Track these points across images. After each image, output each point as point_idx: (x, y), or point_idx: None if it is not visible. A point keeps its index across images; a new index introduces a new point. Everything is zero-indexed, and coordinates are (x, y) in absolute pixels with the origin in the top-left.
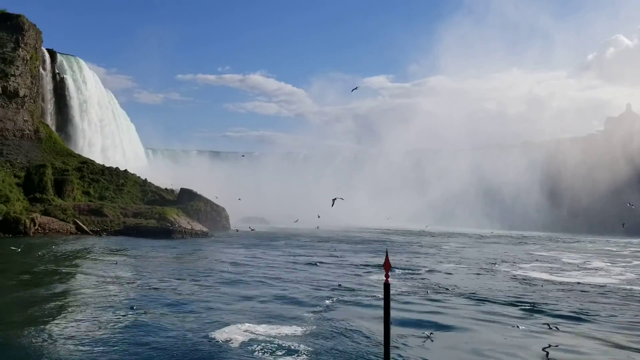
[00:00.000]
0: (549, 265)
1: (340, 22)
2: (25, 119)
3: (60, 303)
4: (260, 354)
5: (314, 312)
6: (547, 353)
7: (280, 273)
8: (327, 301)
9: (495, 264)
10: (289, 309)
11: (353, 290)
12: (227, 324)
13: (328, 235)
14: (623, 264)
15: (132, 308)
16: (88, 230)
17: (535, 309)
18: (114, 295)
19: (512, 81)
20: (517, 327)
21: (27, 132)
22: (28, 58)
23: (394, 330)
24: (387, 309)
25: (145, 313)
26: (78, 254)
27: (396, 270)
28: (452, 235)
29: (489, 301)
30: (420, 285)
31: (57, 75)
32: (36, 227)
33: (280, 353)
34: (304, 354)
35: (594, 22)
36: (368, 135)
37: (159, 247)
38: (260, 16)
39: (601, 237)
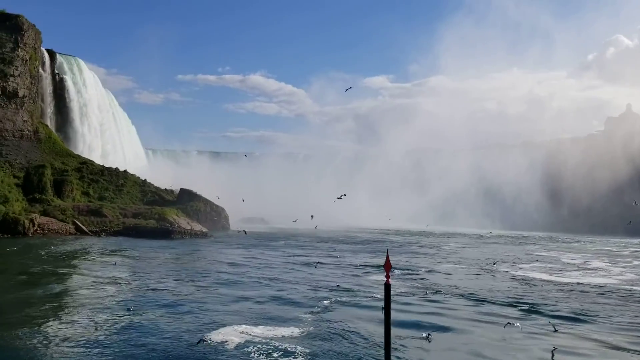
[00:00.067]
0: (549, 265)
1: (341, 22)
2: (24, 119)
3: (56, 304)
4: (256, 355)
5: (311, 313)
6: (553, 355)
7: (278, 273)
8: (325, 302)
9: (494, 264)
10: (286, 309)
11: (351, 290)
12: (224, 325)
13: (328, 236)
14: (623, 264)
15: (129, 309)
16: (87, 231)
17: (534, 309)
18: (111, 296)
19: (512, 81)
20: (512, 324)
21: (27, 132)
22: (27, 58)
23: (392, 331)
24: (387, 309)
25: (141, 314)
26: (76, 254)
27: (395, 270)
28: (452, 235)
29: (488, 302)
30: (419, 285)
31: (57, 76)
32: (35, 228)
33: (276, 355)
34: (300, 355)
35: (595, 22)
36: (368, 136)
37: (158, 247)
38: (261, 16)
39: (602, 237)
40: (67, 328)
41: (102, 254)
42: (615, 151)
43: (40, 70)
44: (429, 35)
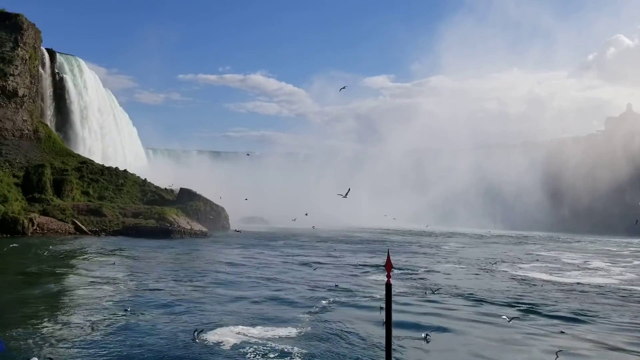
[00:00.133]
0: (549, 265)
1: (341, 22)
2: (24, 118)
3: (53, 304)
4: (252, 356)
5: (309, 313)
6: (557, 356)
7: (277, 273)
8: (323, 302)
9: (494, 264)
10: (284, 310)
11: (350, 290)
12: (220, 326)
13: (327, 235)
14: (623, 264)
15: (126, 310)
16: (87, 230)
17: (534, 309)
18: (109, 296)
19: (512, 81)
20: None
21: (26, 132)
22: (27, 57)
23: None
24: (389, 309)
25: (138, 314)
26: (75, 254)
27: (395, 270)
28: (452, 235)
29: (487, 302)
30: (418, 285)
31: (57, 75)
32: (34, 227)
33: (272, 356)
34: (297, 356)
35: (595, 22)
36: (369, 135)
37: (157, 247)
38: (261, 16)
39: (602, 237)
40: (63, 328)
41: (101, 253)
42: (615, 151)
43: (40, 69)
44: (429, 35)
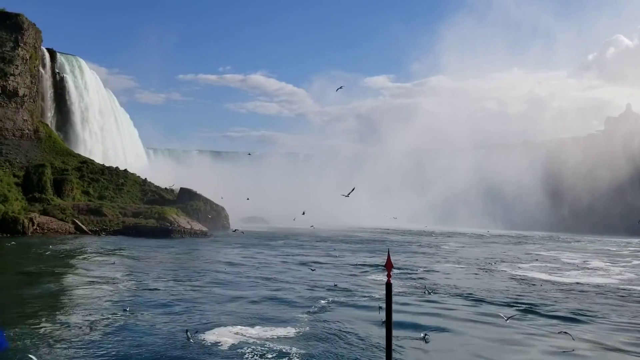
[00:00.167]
0: (548, 265)
1: (341, 22)
2: (24, 118)
3: (52, 303)
4: (250, 356)
5: (308, 313)
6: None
7: (276, 273)
8: (322, 302)
9: (494, 264)
10: (282, 309)
11: (349, 290)
12: (219, 326)
13: (327, 235)
14: (623, 264)
15: (125, 310)
16: (87, 230)
17: (533, 309)
18: (108, 295)
19: (512, 81)
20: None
21: (27, 131)
22: (27, 57)
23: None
24: (389, 309)
25: (137, 314)
26: (74, 253)
27: (394, 270)
28: (452, 235)
29: (486, 302)
30: (417, 285)
31: (57, 75)
32: (34, 227)
33: (270, 356)
34: (295, 356)
35: (595, 22)
36: (369, 135)
37: (157, 247)
38: (261, 15)
39: (602, 236)
40: (62, 328)
41: (100, 253)
42: (615, 151)
43: (41, 69)
44: (429, 35)
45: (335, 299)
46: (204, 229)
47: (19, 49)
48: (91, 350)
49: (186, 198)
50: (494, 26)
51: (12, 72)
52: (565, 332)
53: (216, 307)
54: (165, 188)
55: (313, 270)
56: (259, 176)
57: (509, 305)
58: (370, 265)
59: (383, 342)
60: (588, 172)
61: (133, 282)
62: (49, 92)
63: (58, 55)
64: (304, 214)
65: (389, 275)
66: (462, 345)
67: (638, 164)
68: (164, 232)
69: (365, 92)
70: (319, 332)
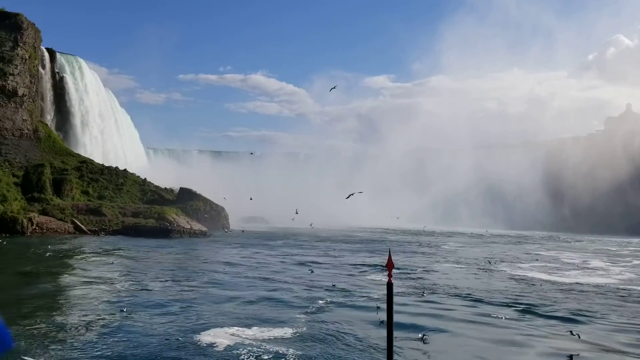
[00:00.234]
0: (548, 265)
1: (341, 21)
2: (24, 118)
3: (48, 304)
4: (245, 358)
5: (305, 313)
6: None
7: (274, 273)
8: (319, 302)
9: (493, 263)
10: (279, 310)
11: (348, 291)
12: (214, 326)
13: (327, 235)
14: (623, 264)
15: (122, 311)
16: (86, 230)
17: (532, 310)
18: (105, 296)
19: (513, 81)
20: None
21: (26, 131)
22: (27, 57)
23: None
24: (390, 309)
25: (133, 314)
26: (73, 253)
27: (393, 269)
28: (452, 234)
29: (485, 302)
30: (416, 285)
31: (57, 75)
32: (34, 227)
33: (266, 357)
34: (292, 358)
35: (595, 22)
36: (369, 135)
37: (156, 247)
38: (261, 15)
39: (603, 236)
40: (58, 328)
41: (99, 253)
42: (615, 150)
43: (40, 69)
44: (429, 35)
45: (334, 299)
46: (204, 228)
47: (18, 48)
48: (87, 350)
49: (186, 198)
50: (494, 26)
51: (11, 72)
52: (572, 333)
53: (213, 307)
54: (165, 188)
55: (311, 272)
56: (259, 176)
57: (508, 305)
58: (369, 265)
59: (381, 343)
60: (588, 172)
61: (131, 282)
62: (48, 92)
63: (58, 55)
64: (297, 212)
65: (390, 275)
66: (461, 346)
67: (638, 164)
68: (163, 232)
69: (366, 92)
70: (316, 333)
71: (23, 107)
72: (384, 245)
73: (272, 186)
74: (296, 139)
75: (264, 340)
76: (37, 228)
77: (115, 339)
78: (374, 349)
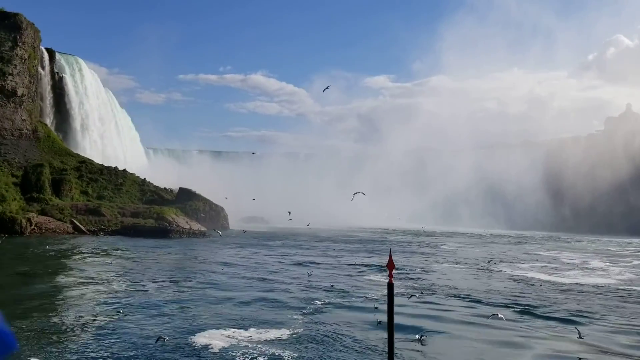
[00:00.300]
0: (548, 265)
1: (341, 21)
2: (23, 118)
3: (46, 304)
4: None
5: (302, 314)
6: None
7: (272, 274)
8: (317, 303)
9: (493, 264)
10: (276, 311)
11: (346, 291)
12: (210, 328)
13: (326, 235)
14: (623, 264)
15: (118, 312)
16: (85, 230)
17: (531, 310)
18: (102, 296)
19: (513, 81)
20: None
21: (25, 131)
22: (26, 57)
23: (384, 333)
24: (390, 309)
25: (129, 315)
26: (71, 254)
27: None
28: (452, 234)
29: (484, 303)
30: (415, 285)
31: (56, 75)
32: (32, 227)
33: (262, 359)
34: None
35: (595, 22)
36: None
37: (155, 247)
38: (261, 15)
39: (603, 236)
40: (53, 329)
41: (97, 253)
42: (615, 150)
43: (40, 69)
44: (429, 35)
45: (331, 300)
46: (203, 229)
47: (18, 48)
48: (82, 352)
49: (185, 198)
50: (495, 26)
51: (10, 72)
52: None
53: (209, 308)
54: (164, 188)
55: (310, 274)
56: (259, 176)
57: (507, 306)
58: (368, 266)
59: (379, 345)
60: (588, 172)
61: (128, 282)
62: (47, 92)
63: (57, 55)
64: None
65: (390, 275)
66: (460, 347)
67: (638, 164)
68: (162, 232)
69: (366, 92)
70: (314, 334)
71: (22, 107)
72: (384, 246)
73: (272, 186)
74: (296, 139)
75: (260, 342)
76: (35, 228)
77: (111, 340)
78: (371, 350)
